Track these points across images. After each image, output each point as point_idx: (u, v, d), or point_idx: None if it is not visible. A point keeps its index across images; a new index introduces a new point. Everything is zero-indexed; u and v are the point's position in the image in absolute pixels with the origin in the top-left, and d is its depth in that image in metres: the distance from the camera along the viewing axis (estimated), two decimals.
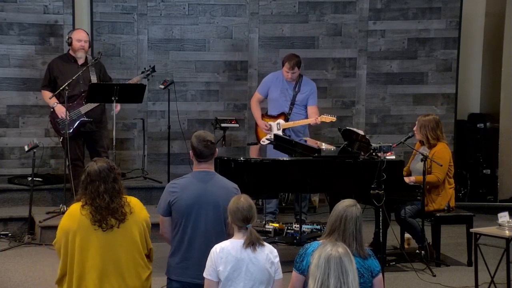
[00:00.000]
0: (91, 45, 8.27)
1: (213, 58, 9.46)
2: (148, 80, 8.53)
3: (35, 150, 7.82)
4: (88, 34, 8.24)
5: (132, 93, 8.00)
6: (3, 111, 8.96)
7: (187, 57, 9.42)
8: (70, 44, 8.13)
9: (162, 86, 8.54)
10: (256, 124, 8.60)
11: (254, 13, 9.43)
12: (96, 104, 7.98)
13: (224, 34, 9.44)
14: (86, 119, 8.02)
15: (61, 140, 8.13)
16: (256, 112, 8.53)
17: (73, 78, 7.88)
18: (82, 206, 4.59)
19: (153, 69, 8.48)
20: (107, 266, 4.55)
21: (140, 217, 4.69)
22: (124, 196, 4.67)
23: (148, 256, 4.76)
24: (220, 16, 9.42)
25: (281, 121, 8.37)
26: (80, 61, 8.11)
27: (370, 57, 9.59)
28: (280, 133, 8.29)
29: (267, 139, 8.39)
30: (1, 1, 8.83)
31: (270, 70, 9.32)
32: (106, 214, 4.56)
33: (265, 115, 8.53)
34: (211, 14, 9.41)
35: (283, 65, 8.33)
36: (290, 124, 8.32)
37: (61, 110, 7.96)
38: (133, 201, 4.73)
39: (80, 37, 8.07)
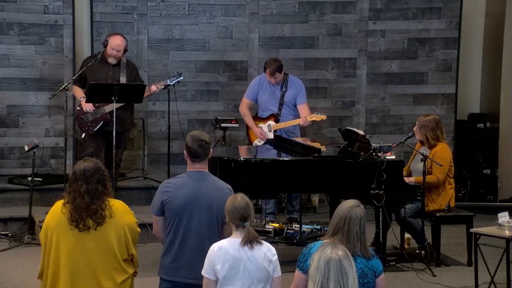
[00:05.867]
0: (126, 51, 8.19)
1: (213, 58, 9.45)
2: (173, 86, 8.38)
3: (35, 150, 7.82)
4: (125, 41, 8.11)
5: (132, 93, 7.99)
6: (3, 111, 8.96)
7: (187, 57, 9.42)
8: (105, 46, 8.11)
9: (162, 86, 8.53)
10: (248, 127, 8.58)
11: (254, 13, 9.43)
12: (121, 104, 7.91)
13: (224, 34, 9.44)
14: (110, 117, 7.99)
15: (82, 136, 8.14)
16: (249, 120, 8.47)
17: (76, 75, 7.94)
18: (64, 204, 4.60)
19: (180, 75, 8.38)
20: (80, 266, 4.54)
21: (121, 222, 4.63)
22: (108, 199, 4.64)
23: (132, 261, 4.72)
24: (220, 16, 9.42)
25: (271, 122, 8.37)
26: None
27: (370, 57, 9.58)
28: (271, 135, 8.28)
29: (258, 141, 8.39)
30: (1, 1, 8.83)
31: None
32: (85, 215, 4.54)
33: (255, 117, 8.52)
34: (211, 14, 9.41)
35: (264, 71, 8.33)
36: (281, 125, 8.32)
37: (86, 104, 8.00)
38: (117, 205, 4.68)
39: (114, 46, 8.03)
